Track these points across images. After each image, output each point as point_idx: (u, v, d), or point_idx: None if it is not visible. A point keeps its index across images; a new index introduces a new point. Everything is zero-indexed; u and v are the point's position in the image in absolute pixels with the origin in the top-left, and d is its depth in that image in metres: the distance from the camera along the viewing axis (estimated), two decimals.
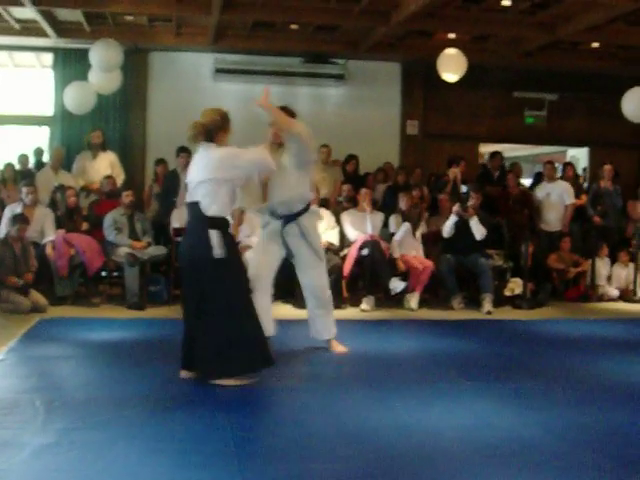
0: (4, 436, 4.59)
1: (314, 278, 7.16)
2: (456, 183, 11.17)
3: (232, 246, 6.15)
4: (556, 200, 11.97)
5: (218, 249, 5.87)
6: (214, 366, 5.94)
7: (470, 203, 10.48)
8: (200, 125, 6.03)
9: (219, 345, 5.89)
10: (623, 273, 11.81)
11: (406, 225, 10.47)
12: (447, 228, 10.51)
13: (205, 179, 5.96)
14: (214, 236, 5.89)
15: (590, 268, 11.63)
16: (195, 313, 5.99)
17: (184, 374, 6.07)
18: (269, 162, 6.26)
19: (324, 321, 7.27)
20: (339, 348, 7.32)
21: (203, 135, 6.02)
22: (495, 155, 13.14)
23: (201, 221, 5.98)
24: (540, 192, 12.20)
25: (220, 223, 6.00)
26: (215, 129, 6.05)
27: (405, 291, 10.20)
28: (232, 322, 5.94)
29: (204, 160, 6.07)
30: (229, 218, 6.33)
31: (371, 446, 4.60)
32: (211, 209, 5.95)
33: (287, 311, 9.71)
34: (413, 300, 10.26)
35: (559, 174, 12.65)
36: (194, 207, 6.02)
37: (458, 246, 10.45)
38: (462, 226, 10.41)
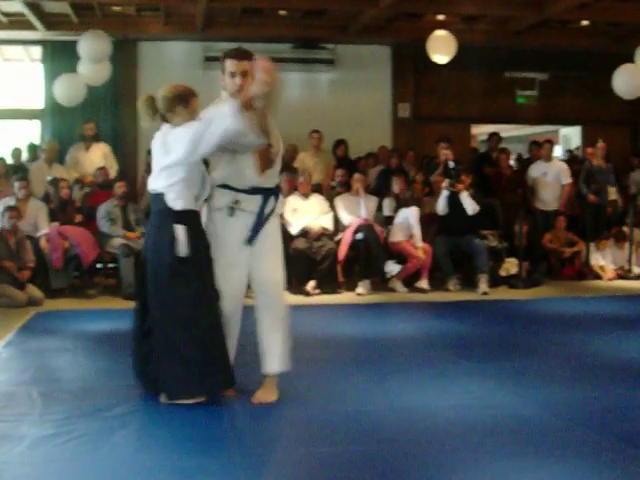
0: (2, 429, 4.61)
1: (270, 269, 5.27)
2: (447, 164, 11.15)
3: (200, 244, 5.11)
4: (552, 179, 11.97)
5: (183, 247, 4.97)
6: (170, 385, 5.08)
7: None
8: (148, 99, 5.14)
9: (176, 361, 5.04)
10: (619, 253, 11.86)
11: (415, 210, 10.45)
12: (440, 205, 10.51)
13: (165, 165, 4.99)
14: (180, 232, 4.99)
15: (585, 246, 11.66)
16: (147, 325, 5.21)
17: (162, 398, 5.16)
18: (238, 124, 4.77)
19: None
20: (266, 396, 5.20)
21: (154, 112, 5.09)
22: (493, 136, 13.14)
23: (164, 215, 5.03)
24: (535, 171, 12.18)
25: (187, 217, 5.04)
26: (167, 106, 5.04)
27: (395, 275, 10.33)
28: (189, 334, 5.02)
29: (159, 142, 5.07)
30: (198, 208, 5.19)
31: (369, 429, 4.61)
32: (176, 202, 5.00)
33: None
34: (424, 282, 10.33)
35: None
36: (156, 198, 5.07)
37: (453, 227, 10.47)
38: (455, 206, 10.42)
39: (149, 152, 11.67)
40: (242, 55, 5.05)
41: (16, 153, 12.00)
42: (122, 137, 13.01)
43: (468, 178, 10.61)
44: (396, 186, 10.80)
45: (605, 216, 12.28)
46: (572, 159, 13.65)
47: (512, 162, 13.77)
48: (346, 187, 11.00)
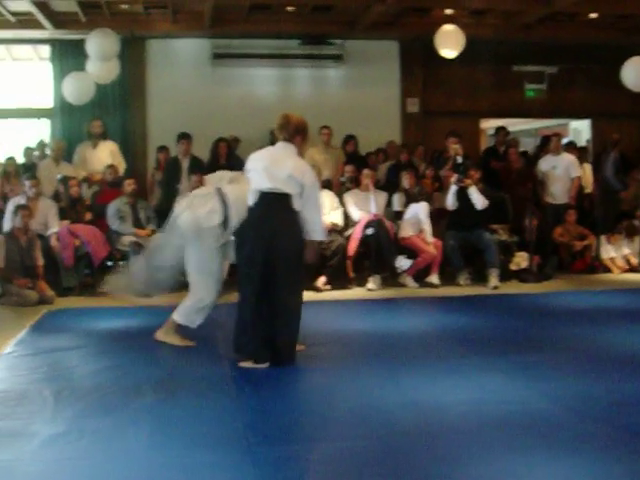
0: (14, 426, 4.62)
1: None
2: (455, 159, 11.12)
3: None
4: (562, 173, 11.89)
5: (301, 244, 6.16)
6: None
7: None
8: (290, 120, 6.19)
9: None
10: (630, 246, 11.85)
11: (425, 205, 10.44)
12: (449, 200, 10.52)
13: (293, 176, 6.04)
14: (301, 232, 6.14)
15: (596, 240, 11.63)
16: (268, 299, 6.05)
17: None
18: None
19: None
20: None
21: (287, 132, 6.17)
22: (500, 130, 13.10)
23: (291, 213, 6.09)
24: (545, 165, 12.12)
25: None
26: (297, 132, 6.18)
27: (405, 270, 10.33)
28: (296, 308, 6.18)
29: (291, 158, 6.14)
30: None
31: (380, 424, 4.62)
32: (298, 205, 6.09)
33: None
34: (434, 277, 10.32)
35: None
36: (282, 197, 6.06)
37: (462, 222, 10.44)
38: (465, 201, 10.40)
39: (160, 149, 11.82)
40: None
41: (27, 152, 12.04)
42: (131, 135, 13.03)
43: (477, 173, 10.57)
44: (405, 181, 10.80)
45: (617, 209, 12.28)
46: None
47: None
48: (355, 183, 10.99)
